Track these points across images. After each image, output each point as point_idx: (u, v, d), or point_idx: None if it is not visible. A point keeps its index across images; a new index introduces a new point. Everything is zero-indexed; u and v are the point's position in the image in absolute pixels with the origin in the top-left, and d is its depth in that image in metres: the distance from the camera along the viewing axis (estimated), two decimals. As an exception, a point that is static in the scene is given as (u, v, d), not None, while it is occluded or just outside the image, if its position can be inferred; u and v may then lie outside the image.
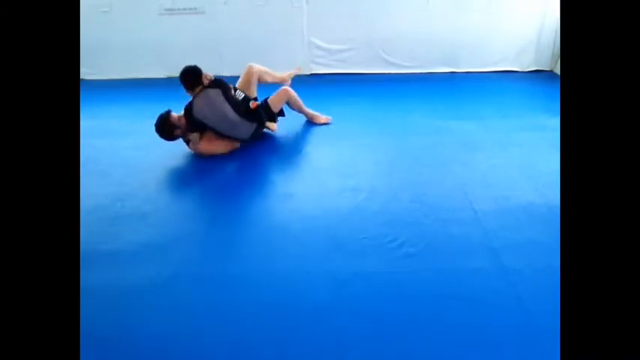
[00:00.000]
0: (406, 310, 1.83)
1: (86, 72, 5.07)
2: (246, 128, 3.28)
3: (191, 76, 3.24)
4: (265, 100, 3.50)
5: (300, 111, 3.70)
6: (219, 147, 3.25)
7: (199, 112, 3.16)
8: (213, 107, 3.18)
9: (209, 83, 3.25)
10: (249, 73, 3.57)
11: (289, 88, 3.60)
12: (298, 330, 1.75)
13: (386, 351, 1.65)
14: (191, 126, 3.18)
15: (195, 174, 3.05)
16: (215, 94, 3.21)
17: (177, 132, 3.21)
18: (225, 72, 4.34)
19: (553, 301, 1.80)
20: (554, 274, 1.92)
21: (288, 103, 3.63)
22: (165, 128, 3.16)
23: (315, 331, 1.74)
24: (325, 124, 3.74)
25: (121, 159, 3.21)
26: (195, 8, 4.91)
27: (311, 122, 3.75)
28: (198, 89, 3.22)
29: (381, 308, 1.84)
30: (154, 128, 3.17)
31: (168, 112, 3.17)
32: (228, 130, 3.23)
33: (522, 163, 2.97)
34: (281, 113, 3.62)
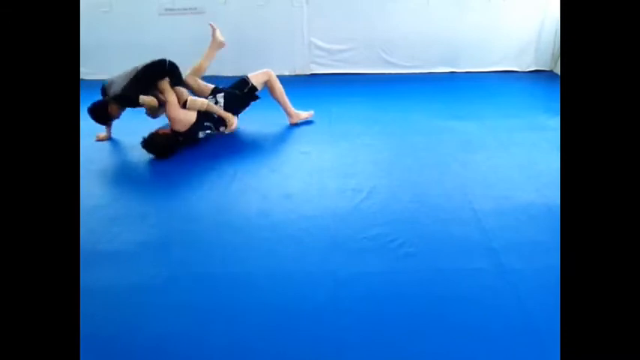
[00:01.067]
0: (406, 310, 1.83)
1: (86, 72, 5.05)
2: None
3: (99, 113, 3.30)
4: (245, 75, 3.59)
5: (283, 103, 3.66)
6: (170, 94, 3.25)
7: (114, 86, 3.22)
8: (118, 78, 3.27)
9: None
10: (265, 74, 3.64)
11: (271, 71, 3.64)
12: (298, 330, 1.75)
13: (386, 351, 1.65)
14: (134, 91, 3.19)
15: (194, 174, 3.05)
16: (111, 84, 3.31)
17: (152, 112, 3.26)
18: (225, 72, 4.34)
19: (553, 301, 1.80)
20: (554, 274, 1.92)
21: (270, 90, 3.62)
22: (156, 142, 3.19)
23: (315, 331, 1.74)
24: (308, 118, 3.74)
25: (121, 159, 3.21)
26: (195, 8, 4.91)
27: (292, 123, 3.70)
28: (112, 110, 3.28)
29: (381, 308, 1.84)
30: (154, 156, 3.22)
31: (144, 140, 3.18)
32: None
33: (522, 163, 2.97)
34: (255, 97, 3.58)
